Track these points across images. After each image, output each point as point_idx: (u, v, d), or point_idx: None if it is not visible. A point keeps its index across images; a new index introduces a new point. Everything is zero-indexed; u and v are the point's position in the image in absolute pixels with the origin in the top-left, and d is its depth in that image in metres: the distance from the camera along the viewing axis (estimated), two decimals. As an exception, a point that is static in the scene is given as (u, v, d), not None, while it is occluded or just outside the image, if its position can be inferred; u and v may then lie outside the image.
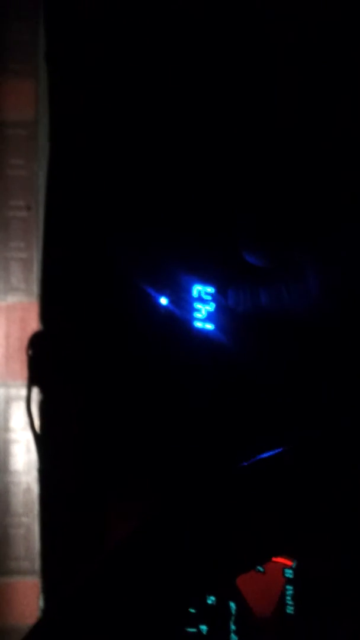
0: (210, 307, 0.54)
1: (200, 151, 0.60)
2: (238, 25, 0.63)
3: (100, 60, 0.63)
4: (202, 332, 0.54)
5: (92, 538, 0.61)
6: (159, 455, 0.56)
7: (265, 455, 0.38)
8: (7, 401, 0.94)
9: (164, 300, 0.54)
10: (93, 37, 0.64)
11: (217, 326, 0.54)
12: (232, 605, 0.54)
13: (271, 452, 0.38)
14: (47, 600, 0.66)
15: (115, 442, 0.58)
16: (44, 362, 0.63)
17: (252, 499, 0.37)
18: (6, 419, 0.99)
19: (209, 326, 0.55)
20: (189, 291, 0.54)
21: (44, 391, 0.64)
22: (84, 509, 0.61)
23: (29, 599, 0.92)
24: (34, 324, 0.73)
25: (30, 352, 0.64)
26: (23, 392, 0.72)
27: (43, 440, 0.65)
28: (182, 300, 0.54)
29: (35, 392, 0.66)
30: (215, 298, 0.55)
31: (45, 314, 0.67)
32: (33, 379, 0.64)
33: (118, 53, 0.64)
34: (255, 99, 0.62)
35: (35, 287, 0.92)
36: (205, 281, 0.55)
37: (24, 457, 0.96)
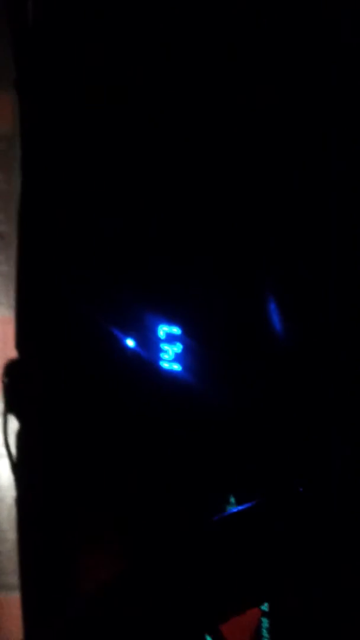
0: (177, 347, 0.54)
1: (172, 184, 0.60)
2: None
3: (71, 79, 0.62)
4: (169, 373, 0.54)
5: (65, 560, 0.61)
6: (126, 491, 0.56)
7: (236, 509, 0.38)
8: (-10, 416, 0.94)
9: (130, 342, 0.54)
10: (62, 57, 0.63)
11: (184, 367, 0.54)
12: (208, 638, 0.54)
13: (242, 507, 0.38)
14: (25, 618, 0.66)
15: (84, 476, 0.58)
16: (19, 391, 0.63)
17: (225, 553, 0.37)
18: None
19: (176, 367, 0.54)
20: (155, 332, 0.54)
21: (19, 419, 0.64)
22: (55, 534, 0.61)
23: (15, 615, 0.93)
24: (11, 339, 0.73)
25: (5, 380, 0.63)
26: (1, 408, 0.71)
27: (18, 467, 0.65)
28: (149, 342, 0.53)
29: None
30: (181, 338, 0.54)
31: (22, 333, 0.66)
32: (8, 407, 0.64)
33: (86, 72, 0.63)
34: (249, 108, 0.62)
35: (12, 301, 0.91)
36: (171, 321, 0.54)
37: (8, 472, 0.95)
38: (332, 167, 0.60)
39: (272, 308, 0.52)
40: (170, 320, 0.55)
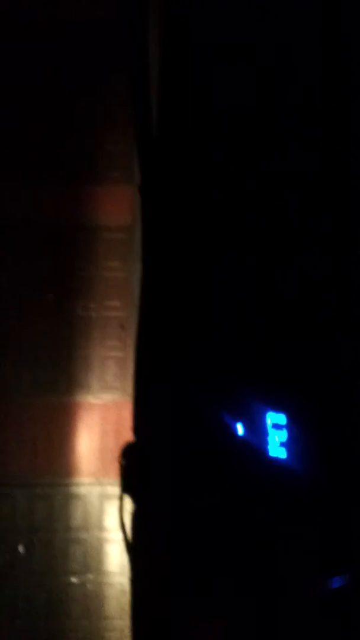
0: (283, 435, 0.55)
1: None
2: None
3: (190, 181, 0.66)
4: (276, 460, 0.54)
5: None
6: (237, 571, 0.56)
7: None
8: (102, 500, 0.94)
9: (239, 429, 0.55)
10: (181, 164, 0.67)
11: (290, 454, 0.54)
12: None
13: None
14: None
15: (200, 555, 0.58)
16: (136, 473, 0.64)
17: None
18: (101, 518, 0.98)
19: (282, 454, 0.55)
20: (263, 420, 0.55)
21: (135, 500, 0.65)
22: (171, 615, 0.61)
23: None
24: (128, 423, 0.74)
25: (122, 461, 0.65)
26: (117, 490, 0.72)
27: (134, 548, 0.65)
28: (257, 429, 0.54)
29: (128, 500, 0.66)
30: (288, 426, 0.55)
31: (139, 417, 0.68)
32: (125, 489, 0.65)
33: (204, 167, 0.67)
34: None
35: (129, 386, 0.93)
36: (277, 409, 0.55)
37: (118, 557, 0.95)
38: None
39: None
40: (277, 409, 0.56)
